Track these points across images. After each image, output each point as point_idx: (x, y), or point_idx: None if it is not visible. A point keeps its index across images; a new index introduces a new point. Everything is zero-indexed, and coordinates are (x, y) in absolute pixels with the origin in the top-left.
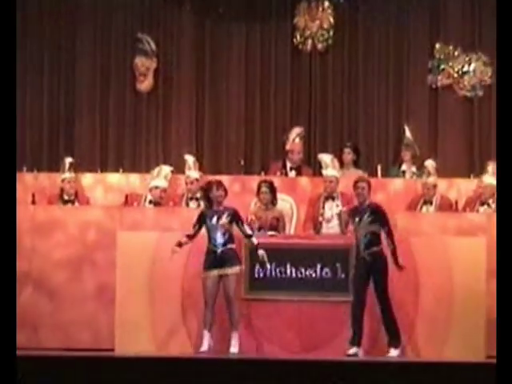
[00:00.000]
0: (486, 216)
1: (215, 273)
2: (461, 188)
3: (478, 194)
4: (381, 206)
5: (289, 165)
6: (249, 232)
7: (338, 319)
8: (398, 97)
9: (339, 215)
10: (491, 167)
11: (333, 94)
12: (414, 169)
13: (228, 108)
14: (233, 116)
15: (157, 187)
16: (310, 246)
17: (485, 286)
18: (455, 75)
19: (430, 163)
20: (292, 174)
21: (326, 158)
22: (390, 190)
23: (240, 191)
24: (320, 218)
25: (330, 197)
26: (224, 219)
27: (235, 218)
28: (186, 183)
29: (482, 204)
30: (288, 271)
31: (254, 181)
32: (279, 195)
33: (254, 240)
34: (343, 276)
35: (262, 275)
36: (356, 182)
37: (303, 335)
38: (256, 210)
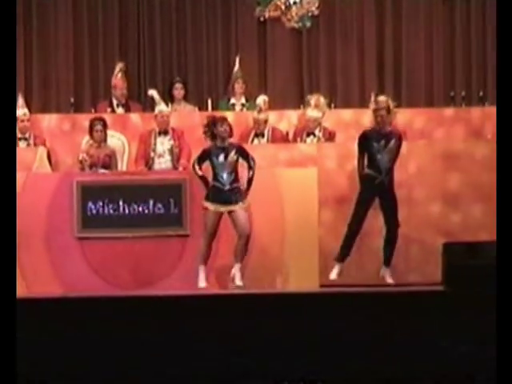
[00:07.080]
0: (317, 147)
1: (220, 209)
2: (291, 120)
3: (302, 125)
4: (401, 135)
5: (115, 102)
6: (251, 164)
7: (172, 254)
8: (227, 30)
9: (170, 150)
10: (313, 100)
11: (161, 29)
12: (243, 100)
13: (56, 45)
14: (62, 53)
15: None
16: (142, 182)
17: (317, 217)
18: (283, 7)
19: (262, 99)
20: (120, 110)
21: (156, 94)
22: None
23: (70, 130)
24: (152, 154)
25: (162, 132)
26: (232, 156)
27: (243, 153)
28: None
29: (308, 135)
30: (121, 208)
31: (84, 119)
32: (110, 132)
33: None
34: (176, 211)
35: (94, 213)
36: (376, 110)
37: (138, 271)
38: (88, 148)
